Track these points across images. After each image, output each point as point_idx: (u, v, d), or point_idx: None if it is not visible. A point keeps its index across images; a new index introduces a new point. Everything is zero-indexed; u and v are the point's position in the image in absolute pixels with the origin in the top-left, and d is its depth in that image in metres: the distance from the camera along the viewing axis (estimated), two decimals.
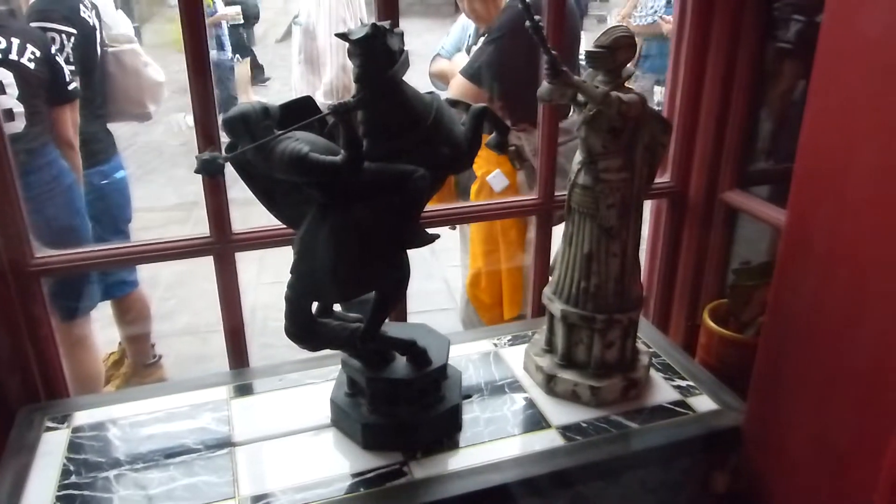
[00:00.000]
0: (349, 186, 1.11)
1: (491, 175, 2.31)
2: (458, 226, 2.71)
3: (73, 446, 1.30)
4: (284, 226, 1.26)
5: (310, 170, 1.05)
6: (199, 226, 1.49)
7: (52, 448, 1.29)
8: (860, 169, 1.07)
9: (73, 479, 1.22)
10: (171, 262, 1.51)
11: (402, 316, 1.66)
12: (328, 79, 2.87)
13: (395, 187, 1.12)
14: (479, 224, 2.45)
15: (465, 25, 2.63)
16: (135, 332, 2.83)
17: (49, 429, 1.35)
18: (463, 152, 1.20)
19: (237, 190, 1.22)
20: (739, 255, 1.82)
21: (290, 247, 1.19)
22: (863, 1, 1.05)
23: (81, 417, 1.38)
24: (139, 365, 2.87)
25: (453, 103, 1.25)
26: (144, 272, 2.88)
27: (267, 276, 3.57)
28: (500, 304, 2.50)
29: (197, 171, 1.01)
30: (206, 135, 1.40)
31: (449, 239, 2.84)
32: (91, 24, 2.32)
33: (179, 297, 3.66)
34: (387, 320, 1.26)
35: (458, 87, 2.31)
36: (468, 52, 2.49)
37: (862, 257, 1.07)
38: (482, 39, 2.35)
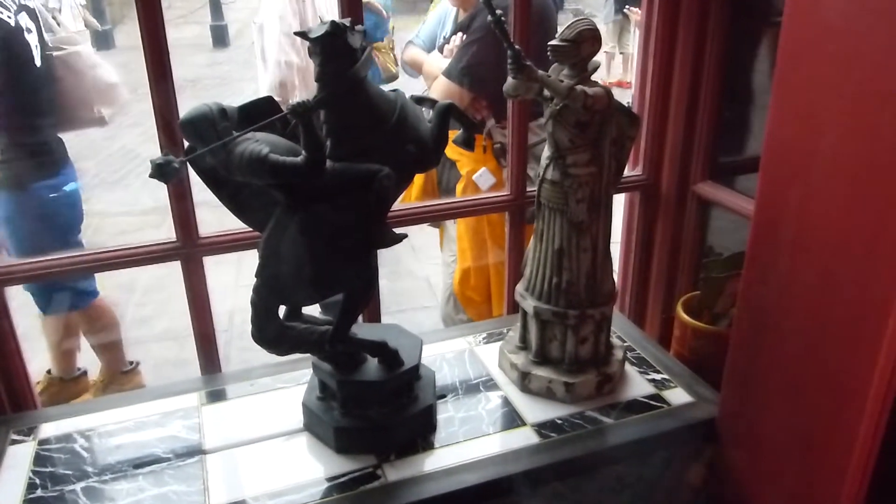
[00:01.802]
0: (313, 187, 1.09)
1: (477, 174, 2.29)
2: (440, 224, 2.69)
3: (40, 459, 1.27)
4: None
5: (270, 171, 1.03)
6: (174, 230, 1.46)
7: (17, 462, 1.26)
8: (824, 156, 1.07)
9: (39, 492, 1.19)
10: (147, 267, 1.48)
11: (375, 316, 1.64)
12: (269, 74, 2.81)
13: (361, 187, 1.10)
14: (466, 222, 2.43)
15: (442, 17, 2.59)
16: (104, 341, 2.76)
17: (14, 442, 1.32)
18: (429, 150, 1.19)
19: (211, 193, 1.19)
20: (715, 247, 1.82)
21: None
22: None
23: (48, 429, 1.35)
24: (115, 373, 2.82)
25: (419, 100, 1.23)
26: (121, 278, 2.83)
27: (245, 280, 3.52)
28: (489, 301, 2.49)
29: (151, 176, 0.99)
30: (168, 138, 1.37)
31: (430, 236, 2.83)
32: (11, 23, 2.13)
33: (157, 301, 3.61)
34: (359, 321, 1.25)
35: (441, 88, 2.29)
36: (440, 50, 2.47)
37: (828, 244, 1.07)
38: (458, 38, 2.33)
